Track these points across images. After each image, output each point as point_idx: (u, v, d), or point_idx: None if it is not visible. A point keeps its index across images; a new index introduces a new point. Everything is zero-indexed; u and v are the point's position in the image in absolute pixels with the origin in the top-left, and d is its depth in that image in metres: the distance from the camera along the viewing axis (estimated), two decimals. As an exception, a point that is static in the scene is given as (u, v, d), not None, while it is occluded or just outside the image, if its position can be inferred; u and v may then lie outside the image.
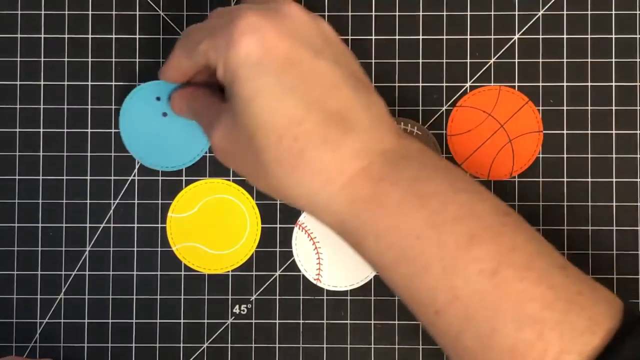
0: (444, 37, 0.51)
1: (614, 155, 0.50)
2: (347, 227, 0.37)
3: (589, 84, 0.50)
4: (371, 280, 0.50)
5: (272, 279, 0.51)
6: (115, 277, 0.51)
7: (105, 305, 0.50)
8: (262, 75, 0.36)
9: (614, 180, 0.50)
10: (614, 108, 0.50)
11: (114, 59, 0.51)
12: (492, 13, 0.51)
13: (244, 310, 0.50)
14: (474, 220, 0.36)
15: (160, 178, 0.51)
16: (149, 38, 0.51)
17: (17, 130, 0.51)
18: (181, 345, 0.50)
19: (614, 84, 0.50)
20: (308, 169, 0.36)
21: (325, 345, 0.50)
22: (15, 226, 0.51)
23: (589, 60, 0.50)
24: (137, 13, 0.51)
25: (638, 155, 0.50)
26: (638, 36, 0.50)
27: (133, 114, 0.50)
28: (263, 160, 0.37)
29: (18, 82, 0.51)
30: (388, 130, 0.38)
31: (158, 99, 0.51)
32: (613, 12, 0.50)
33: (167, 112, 0.50)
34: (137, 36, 0.51)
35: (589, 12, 0.50)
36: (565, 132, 0.50)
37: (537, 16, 0.51)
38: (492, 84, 0.51)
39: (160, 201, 0.51)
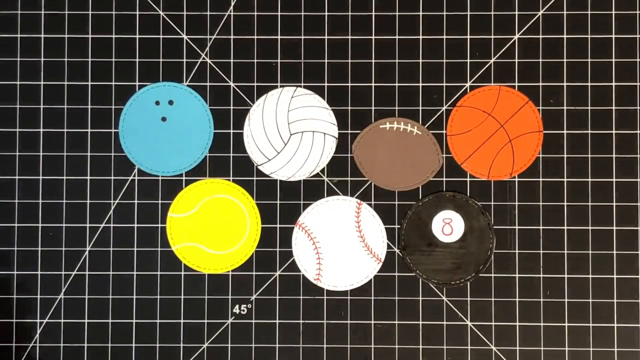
0: (444, 37, 0.51)
1: (614, 155, 0.50)
2: None
3: (589, 84, 0.50)
4: (371, 280, 0.50)
5: (272, 279, 0.51)
6: (115, 277, 0.51)
7: (105, 305, 0.50)
8: None
9: (614, 180, 0.50)
10: (614, 108, 0.50)
11: (114, 59, 0.51)
12: (492, 13, 0.51)
13: (244, 310, 0.50)
14: None
15: (160, 178, 0.51)
16: (149, 38, 0.51)
17: (17, 130, 0.51)
18: (181, 345, 0.50)
19: (614, 84, 0.50)
20: None
21: (325, 345, 0.50)
22: (15, 226, 0.51)
23: (589, 60, 0.50)
24: (137, 13, 0.51)
25: (638, 155, 0.50)
26: (638, 36, 0.50)
27: (132, 119, 0.50)
28: None
29: (18, 82, 0.51)
30: None
31: (157, 103, 0.51)
32: (613, 12, 0.50)
33: (166, 116, 0.51)
34: (137, 36, 0.51)
35: (589, 12, 0.50)
36: (565, 132, 0.50)
37: (537, 16, 0.51)
38: (492, 84, 0.51)
39: (160, 201, 0.51)
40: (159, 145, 0.51)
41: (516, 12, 0.51)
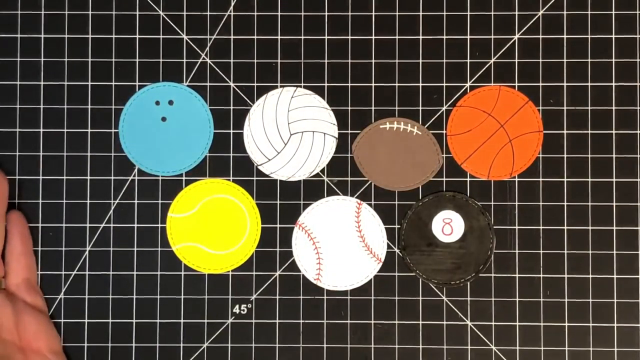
0: (444, 37, 0.51)
1: (614, 155, 0.50)
2: None
3: (589, 84, 0.50)
4: (371, 280, 0.50)
5: (272, 279, 0.51)
6: (115, 277, 0.51)
7: (105, 305, 0.50)
8: None
9: (614, 180, 0.50)
10: (614, 108, 0.50)
11: (114, 59, 0.51)
12: (492, 13, 0.51)
13: (244, 310, 0.50)
14: None
15: (160, 178, 0.51)
16: (149, 38, 0.51)
17: (17, 130, 0.51)
18: (181, 345, 0.50)
19: (614, 84, 0.50)
20: None
21: (325, 345, 0.50)
22: (15, 226, 0.51)
23: (589, 60, 0.50)
24: (137, 13, 0.51)
25: (638, 155, 0.50)
26: (638, 36, 0.50)
27: (132, 119, 0.50)
28: None
29: (18, 82, 0.51)
30: None
31: (157, 103, 0.51)
32: (613, 12, 0.50)
33: (166, 116, 0.51)
34: (137, 36, 0.51)
35: (589, 12, 0.50)
36: (565, 132, 0.50)
37: (537, 16, 0.51)
38: (492, 84, 0.51)
39: (160, 201, 0.51)
40: (159, 145, 0.51)
41: (516, 12, 0.51)
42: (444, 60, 0.51)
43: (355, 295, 0.50)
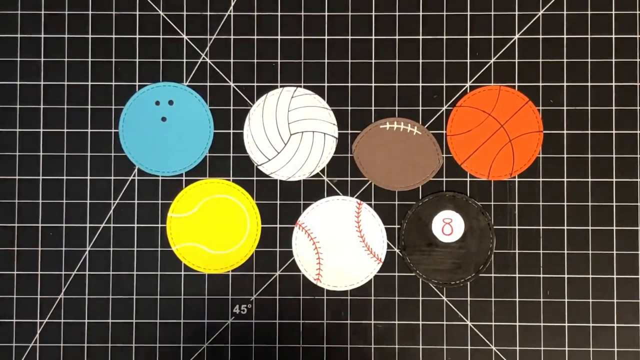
0: (444, 37, 0.51)
1: (614, 155, 0.50)
2: None
3: (589, 84, 0.50)
4: (371, 280, 0.50)
5: (272, 279, 0.51)
6: (115, 277, 0.51)
7: (105, 305, 0.50)
8: None
9: (614, 180, 0.50)
10: (614, 108, 0.50)
11: (114, 59, 0.51)
12: (492, 13, 0.51)
13: (244, 310, 0.50)
14: None
15: (160, 178, 0.51)
16: (149, 38, 0.51)
17: (17, 130, 0.51)
18: (181, 345, 0.50)
19: (614, 84, 0.50)
20: None
21: (325, 345, 0.50)
22: (15, 226, 0.51)
23: (589, 60, 0.50)
24: (137, 13, 0.51)
25: (638, 155, 0.50)
26: (638, 36, 0.50)
27: (132, 119, 0.50)
28: None
29: (18, 82, 0.51)
30: None
31: (157, 103, 0.51)
32: (613, 12, 0.50)
33: (166, 116, 0.51)
34: (137, 36, 0.51)
35: (589, 12, 0.50)
36: (565, 132, 0.50)
37: (537, 16, 0.51)
38: (492, 84, 0.51)
39: (160, 201, 0.51)
40: (159, 145, 0.51)
41: (516, 12, 0.51)
42: (444, 60, 0.51)
43: (355, 295, 0.50)
